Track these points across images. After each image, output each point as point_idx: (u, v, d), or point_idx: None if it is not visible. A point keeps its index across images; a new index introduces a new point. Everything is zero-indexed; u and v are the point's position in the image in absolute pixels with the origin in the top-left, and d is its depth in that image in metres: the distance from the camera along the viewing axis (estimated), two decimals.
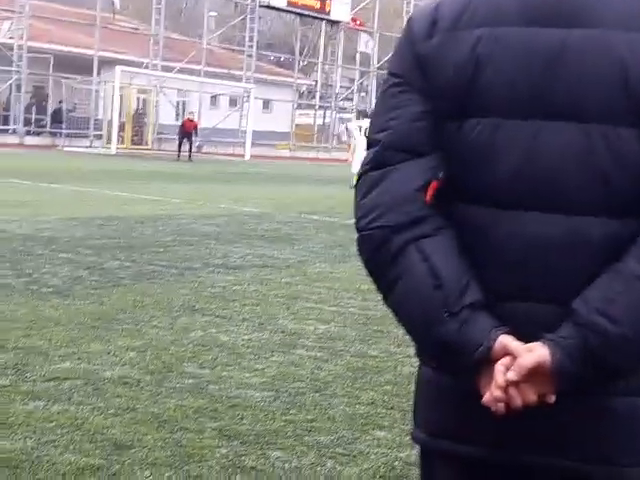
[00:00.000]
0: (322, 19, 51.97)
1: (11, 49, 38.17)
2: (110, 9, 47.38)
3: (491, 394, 1.84)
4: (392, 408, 5.49)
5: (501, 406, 1.83)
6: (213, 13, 49.94)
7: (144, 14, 48.27)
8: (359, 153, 23.72)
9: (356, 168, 23.98)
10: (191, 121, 38.32)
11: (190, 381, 5.70)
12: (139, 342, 6.54)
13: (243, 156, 40.94)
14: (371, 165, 1.99)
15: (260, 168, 32.50)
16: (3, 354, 5.94)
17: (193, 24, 50.81)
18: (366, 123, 23.75)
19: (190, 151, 37.44)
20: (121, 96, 39.20)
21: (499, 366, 1.83)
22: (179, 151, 37.49)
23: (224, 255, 11.07)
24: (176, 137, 38.60)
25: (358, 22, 53.87)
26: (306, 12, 49.60)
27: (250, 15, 46.88)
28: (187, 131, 37.73)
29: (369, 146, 2.02)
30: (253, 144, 41.65)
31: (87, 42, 41.28)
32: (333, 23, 51.97)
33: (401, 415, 5.38)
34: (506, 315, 1.88)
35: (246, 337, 7.00)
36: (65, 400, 5.12)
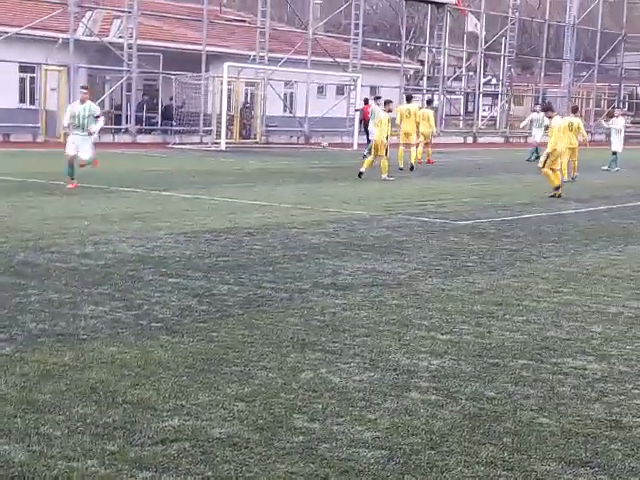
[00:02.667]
0: (428, 2, 51.34)
1: (121, 48, 38.66)
2: (217, 2, 47.65)
3: None
4: (512, 469, 5.22)
5: None
6: (318, 1, 49.77)
7: (250, 5, 48.36)
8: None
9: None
10: (367, 104, 38.23)
11: (300, 439, 5.52)
12: (248, 389, 6.39)
13: (352, 145, 40.68)
14: None
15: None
16: (113, 409, 5.85)
17: (299, 13, 50.66)
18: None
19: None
20: (229, 90, 39.36)
21: None
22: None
23: (333, 272, 10.88)
24: (283, 130, 38.46)
25: (463, 4, 53.05)
26: None
27: (355, 2, 46.52)
28: (367, 118, 37.64)
29: None
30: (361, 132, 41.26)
31: (195, 37, 41.60)
32: (439, 5, 51.25)
33: (522, 478, 5.11)
34: None
35: (357, 378, 6.80)
36: (173, 469, 4.99)
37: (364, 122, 38.11)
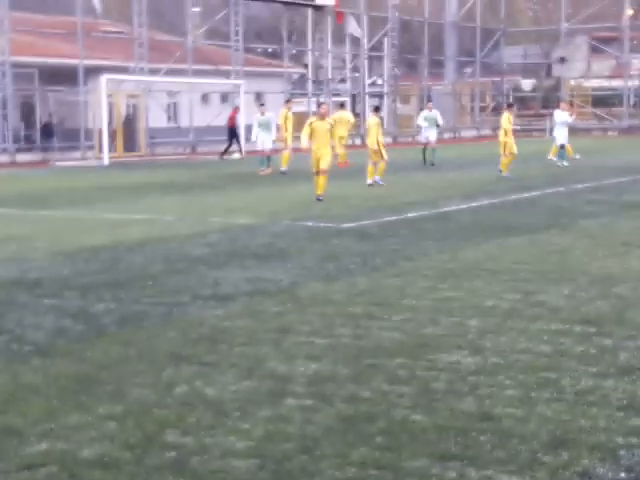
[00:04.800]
0: (307, 5, 51.56)
1: None
2: (92, 14, 47.07)
3: None
4: (383, 468, 5.26)
5: None
6: (196, 9, 49.51)
7: (127, 16, 47.87)
8: None
9: None
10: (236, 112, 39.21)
11: (172, 454, 5.47)
12: (120, 407, 6.30)
13: (240, 152, 40.54)
14: None
15: (255, 166, 32.09)
16: None
17: (177, 21, 50.35)
18: None
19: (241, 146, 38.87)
20: (110, 103, 38.86)
21: None
22: (226, 150, 38.37)
23: (215, 282, 10.81)
24: (168, 141, 38.38)
25: (342, 6, 53.47)
26: (290, 0, 49.26)
27: (234, 8, 46.43)
28: (235, 124, 38.43)
29: None
30: (248, 139, 41.06)
31: (71, 51, 40.91)
32: (318, 8, 51.50)
33: (392, 476, 5.15)
34: None
35: (233, 388, 6.77)
36: None
37: (231, 129, 38.82)
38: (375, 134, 24.36)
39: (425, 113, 33.78)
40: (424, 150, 32.82)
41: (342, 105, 37.73)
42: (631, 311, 9.09)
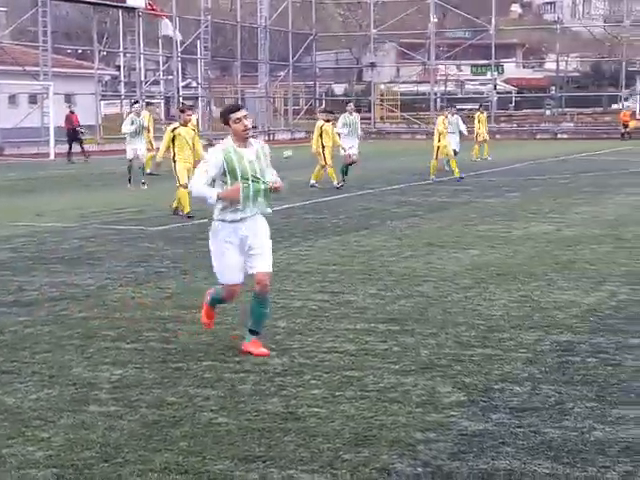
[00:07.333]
0: (117, 7, 50.75)
1: None
2: None
3: None
4: (186, 472, 5.22)
5: None
6: (3, 8, 47.96)
7: None
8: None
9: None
10: (73, 113, 37.61)
11: None
12: None
13: (48, 155, 39.58)
14: None
15: (66, 169, 31.43)
16: None
17: None
18: None
19: (83, 149, 37.57)
20: None
21: None
22: (70, 153, 36.89)
23: (19, 288, 10.51)
24: None
25: (155, 8, 52.91)
26: (100, 1, 48.34)
27: (42, 8, 45.22)
28: (74, 127, 36.98)
29: None
30: (59, 141, 40.08)
31: None
32: (129, 10, 50.80)
33: (196, 479, 5.12)
34: None
35: (33, 397, 6.57)
36: None
37: (70, 131, 37.56)
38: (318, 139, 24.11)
39: (345, 117, 25.69)
40: (346, 167, 25.00)
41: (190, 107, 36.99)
42: (433, 309, 9.38)
